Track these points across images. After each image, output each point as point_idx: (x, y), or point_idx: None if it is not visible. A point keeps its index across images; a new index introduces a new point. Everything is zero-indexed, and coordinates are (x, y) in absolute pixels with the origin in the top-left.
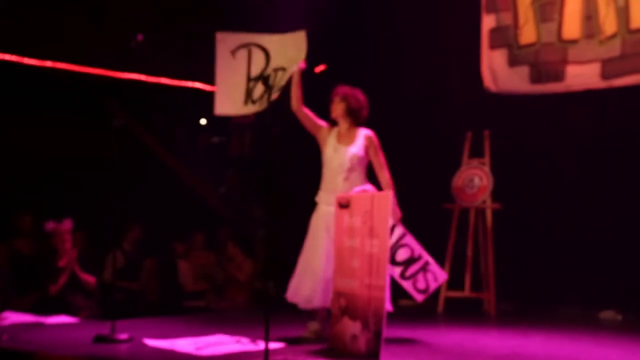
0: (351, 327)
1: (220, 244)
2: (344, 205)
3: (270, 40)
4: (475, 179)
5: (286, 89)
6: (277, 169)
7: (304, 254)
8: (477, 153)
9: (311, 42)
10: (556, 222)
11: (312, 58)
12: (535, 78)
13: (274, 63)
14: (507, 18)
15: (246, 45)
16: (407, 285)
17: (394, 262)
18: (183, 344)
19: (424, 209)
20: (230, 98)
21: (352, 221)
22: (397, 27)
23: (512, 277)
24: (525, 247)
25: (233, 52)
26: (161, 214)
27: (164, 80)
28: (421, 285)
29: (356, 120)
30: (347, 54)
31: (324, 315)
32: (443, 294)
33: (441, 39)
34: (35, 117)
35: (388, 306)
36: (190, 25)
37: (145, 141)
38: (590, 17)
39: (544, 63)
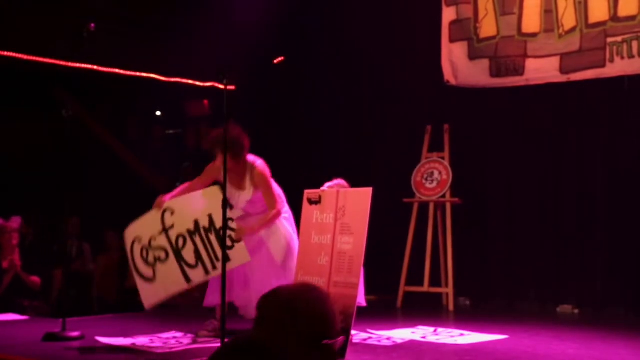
0: None
1: None
2: (314, 201)
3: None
4: (434, 173)
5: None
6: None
7: None
8: (436, 147)
9: (270, 34)
10: (515, 216)
11: (271, 50)
12: (495, 71)
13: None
14: (467, 11)
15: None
16: None
17: None
18: (137, 341)
19: (384, 203)
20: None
21: (322, 217)
22: (356, 20)
23: (470, 272)
24: (484, 241)
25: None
26: (112, 206)
27: (117, 71)
28: None
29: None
30: (305, 48)
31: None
32: (402, 288)
33: (401, 32)
34: None
35: (362, 301)
36: (145, 14)
37: (96, 132)
38: (549, 10)
39: (504, 56)
